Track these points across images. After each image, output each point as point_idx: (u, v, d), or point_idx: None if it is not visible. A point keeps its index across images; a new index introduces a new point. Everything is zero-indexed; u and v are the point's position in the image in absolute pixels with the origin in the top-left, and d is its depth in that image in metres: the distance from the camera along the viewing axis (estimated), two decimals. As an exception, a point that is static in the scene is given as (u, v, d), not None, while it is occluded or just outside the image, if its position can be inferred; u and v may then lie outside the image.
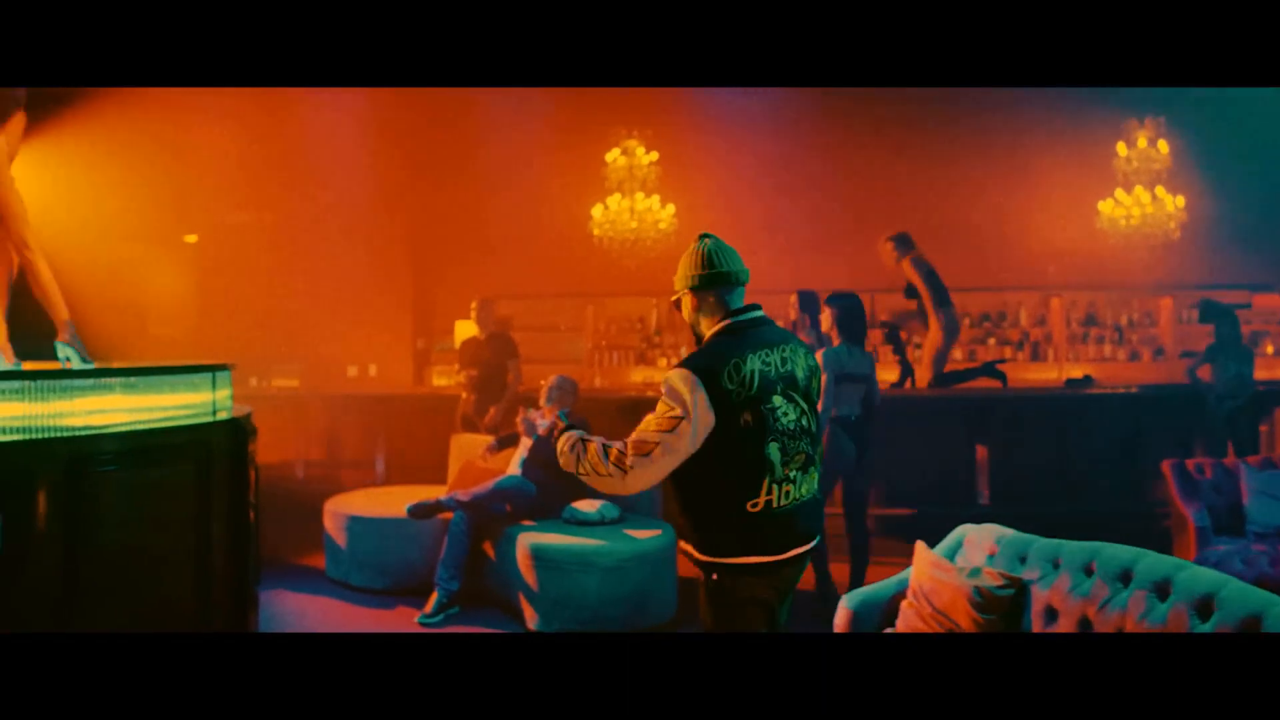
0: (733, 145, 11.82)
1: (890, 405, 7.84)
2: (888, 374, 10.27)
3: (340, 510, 7.47)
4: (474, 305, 8.93)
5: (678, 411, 3.07)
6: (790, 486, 3.18)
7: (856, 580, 6.70)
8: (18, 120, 5.42)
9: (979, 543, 3.99)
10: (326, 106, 11.00)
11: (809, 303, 7.89)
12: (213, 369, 5.20)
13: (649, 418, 3.16)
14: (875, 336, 11.46)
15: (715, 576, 3.17)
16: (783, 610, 3.34)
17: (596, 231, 11.50)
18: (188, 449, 4.74)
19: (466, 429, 8.79)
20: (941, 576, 3.56)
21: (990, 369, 9.81)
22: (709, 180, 11.94)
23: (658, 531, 6.50)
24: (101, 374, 4.53)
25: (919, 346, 11.30)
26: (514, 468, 7.02)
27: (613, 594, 6.07)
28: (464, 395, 8.97)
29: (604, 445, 3.23)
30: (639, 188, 11.52)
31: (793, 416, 3.22)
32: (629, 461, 3.10)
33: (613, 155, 11.51)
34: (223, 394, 5.41)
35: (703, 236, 3.43)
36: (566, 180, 11.89)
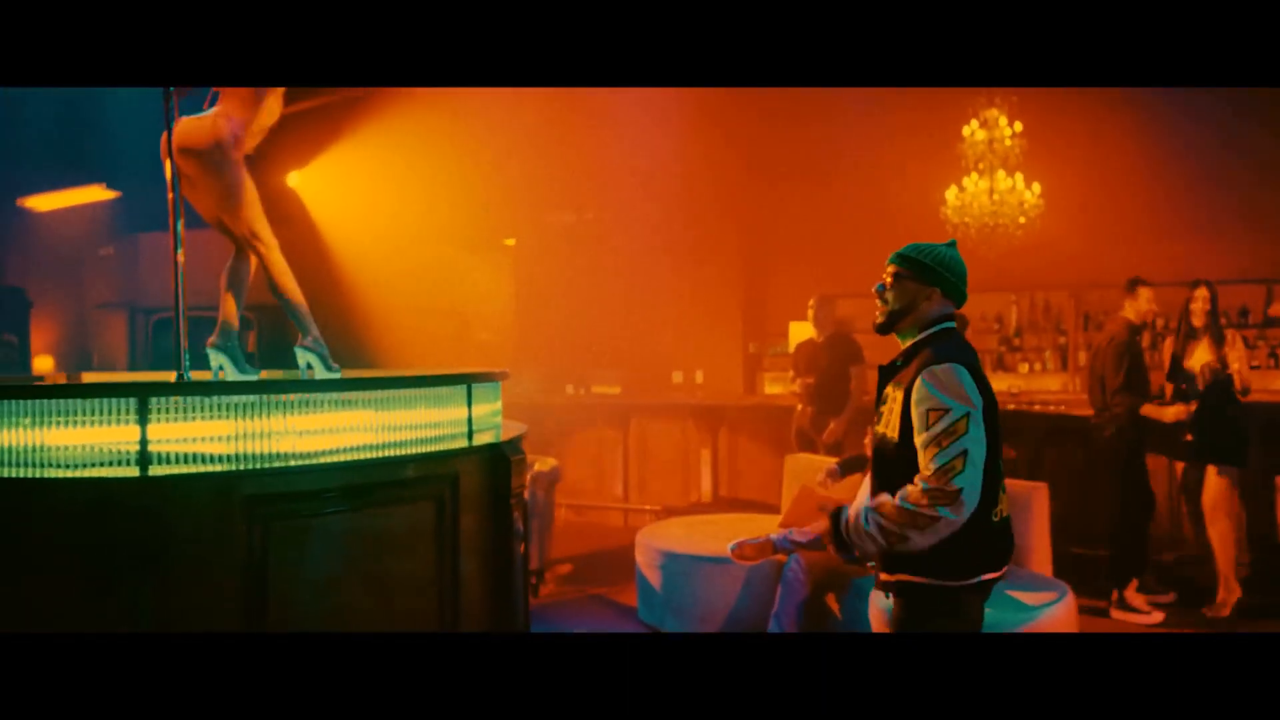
0: (1107, 113, 9.71)
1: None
2: None
3: (653, 543, 6.04)
4: (811, 304, 7.36)
5: (960, 412, 2.71)
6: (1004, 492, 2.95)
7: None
8: (274, 98, 4.30)
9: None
10: (648, 104, 9.78)
11: None
12: (468, 379, 3.86)
13: (924, 438, 2.73)
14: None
15: (949, 601, 2.80)
16: None
17: (953, 218, 9.64)
18: (424, 485, 3.43)
19: (803, 446, 7.20)
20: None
21: None
22: (1079, 154, 9.91)
23: (1052, 595, 4.71)
24: (292, 388, 3.26)
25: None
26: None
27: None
28: (799, 406, 7.40)
29: (902, 501, 2.73)
30: (999, 165, 9.58)
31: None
32: (947, 489, 2.65)
33: (970, 129, 9.62)
34: (485, 410, 4.08)
35: (951, 244, 3.08)
36: (915, 162, 10.08)
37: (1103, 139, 9.88)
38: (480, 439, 3.83)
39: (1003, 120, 9.53)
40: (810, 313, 7.35)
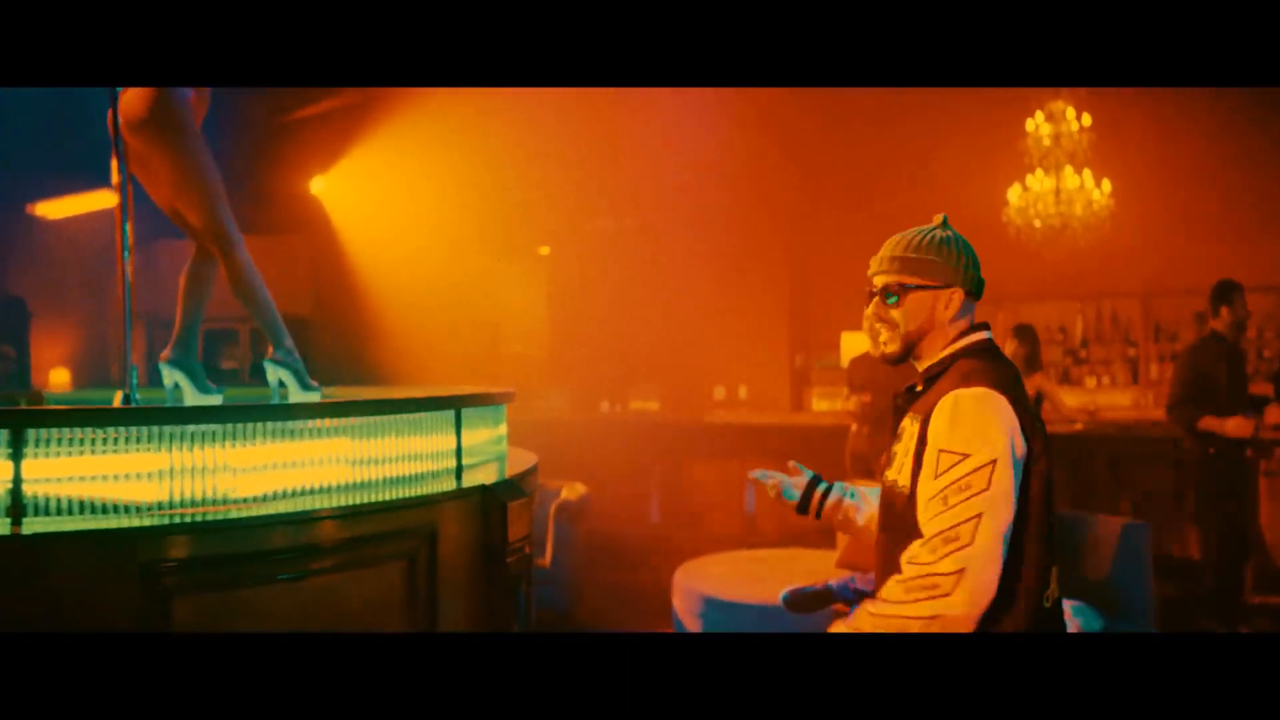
0: (1181, 105, 8.82)
1: None
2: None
3: (693, 586, 5.13)
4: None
5: (982, 456, 1.92)
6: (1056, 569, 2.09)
7: None
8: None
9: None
10: (691, 106, 9.01)
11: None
12: (458, 402, 3.01)
13: (927, 489, 1.98)
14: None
15: None
16: None
17: (1016, 219, 8.73)
18: (391, 542, 2.59)
19: (858, 471, 6.29)
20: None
21: None
22: (1151, 150, 9.14)
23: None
24: (216, 416, 2.43)
25: None
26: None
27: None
28: (853, 427, 6.48)
29: (901, 577, 1.98)
30: (1066, 161, 8.66)
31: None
32: (939, 570, 1.90)
33: (1034, 123, 8.71)
34: (482, 439, 3.24)
35: (942, 222, 2.26)
36: (975, 160, 9.19)
37: (1176, 133, 9.00)
38: (472, 478, 2.97)
39: (1070, 113, 8.63)
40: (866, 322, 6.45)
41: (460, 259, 10.19)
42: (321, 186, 10.05)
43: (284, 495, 2.53)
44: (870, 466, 6.24)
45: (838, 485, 2.49)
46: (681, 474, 8.66)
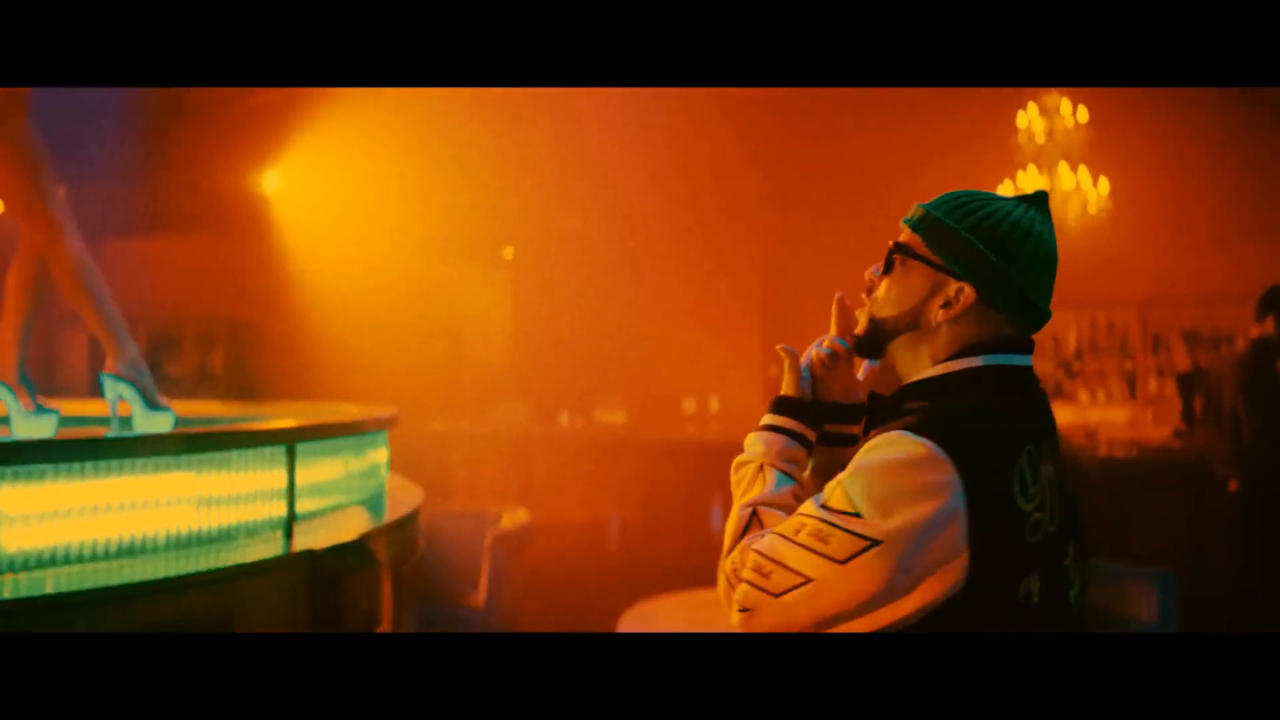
0: (1181, 103, 8.16)
1: None
2: None
3: (642, 630, 4.39)
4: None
5: (868, 529, 1.29)
6: None
7: None
8: None
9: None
10: (662, 102, 8.35)
11: None
12: (291, 435, 2.23)
13: (806, 505, 1.35)
14: None
15: None
16: None
17: (1006, 219, 8.08)
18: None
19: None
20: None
21: None
22: (1149, 149, 8.28)
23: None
24: None
25: None
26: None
27: None
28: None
29: (751, 519, 1.45)
30: (1060, 158, 7.98)
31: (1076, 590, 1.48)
32: (738, 590, 1.38)
33: (1025, 119, 8.01)
34: (333, 477, 2.48)
35: (1037, 198, 1.46)
36: (965, 155, 8.50)
37: (1180, 132, 8.32)
38: (311, 536, 2.20)
39: (1065, 106, 7.94)
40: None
41: (421, 260, 9.50)
42: (274, 185, 9.33)
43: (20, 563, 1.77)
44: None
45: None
46: (645, 497, 7.92)
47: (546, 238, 10.18)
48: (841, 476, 1.36)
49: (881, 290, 1.48)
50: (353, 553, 2.13)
